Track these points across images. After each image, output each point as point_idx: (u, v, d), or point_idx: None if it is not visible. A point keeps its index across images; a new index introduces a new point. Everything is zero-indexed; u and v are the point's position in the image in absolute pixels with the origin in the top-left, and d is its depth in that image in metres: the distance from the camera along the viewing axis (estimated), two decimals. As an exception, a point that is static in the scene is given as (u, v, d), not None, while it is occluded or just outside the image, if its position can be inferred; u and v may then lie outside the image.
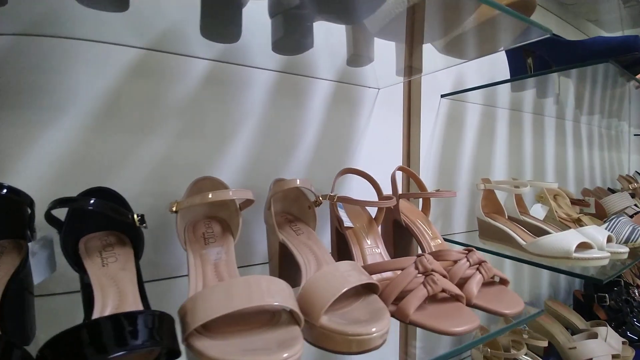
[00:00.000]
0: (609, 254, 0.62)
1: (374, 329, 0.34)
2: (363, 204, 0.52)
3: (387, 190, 0.61)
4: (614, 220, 0.80)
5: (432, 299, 0.43)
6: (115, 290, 0.36)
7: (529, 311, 0.49)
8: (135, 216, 0.39)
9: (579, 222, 0.84)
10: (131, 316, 0.29)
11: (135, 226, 0.39)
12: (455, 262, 0.49)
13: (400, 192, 0.60)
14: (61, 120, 0.48)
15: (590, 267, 0.62)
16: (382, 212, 0.58)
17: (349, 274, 0.38)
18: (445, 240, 0.82)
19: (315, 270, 0.44)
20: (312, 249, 0.48)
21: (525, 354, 0.86)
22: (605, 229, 0.78)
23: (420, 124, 0.81)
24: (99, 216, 0.41)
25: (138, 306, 0.35)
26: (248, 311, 0.34)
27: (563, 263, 0.63)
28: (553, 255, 0.64)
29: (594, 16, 1.21)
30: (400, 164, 0.80)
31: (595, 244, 0.65)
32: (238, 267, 0.42)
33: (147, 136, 0.53)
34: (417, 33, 0.51)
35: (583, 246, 0.64)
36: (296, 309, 0.33)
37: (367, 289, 0.42)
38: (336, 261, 0.45)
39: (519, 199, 0.82)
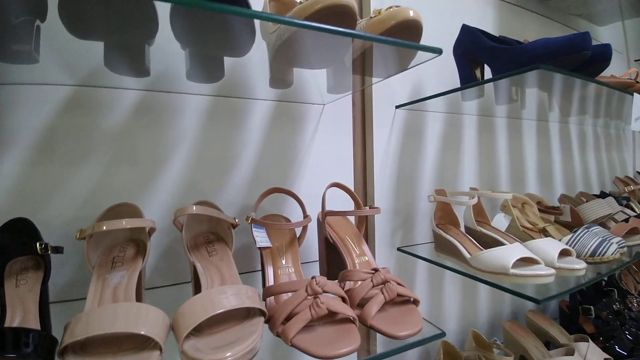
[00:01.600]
0: (553, 272, 0.59)
1: (228, 354, 0.35)
2: (276, 226, 0.53)
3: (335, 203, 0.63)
4: (582, 231, 0.76)
5: (329, 319, 0.44)
6: (21, 308, 0.41)
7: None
8: (38, 245, 0.43)
9: (544, 232, 0.80)
10: (15, 331, 0.35)
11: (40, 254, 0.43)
12: (361, 281, 0.49)
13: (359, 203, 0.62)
14: (2, 156, 0.53)
15: (530, 285, 0.60)
16: (305, 231, 0.59)
17: (225, 299, 0.40)
18: (404, 252, 0.82)
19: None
20: (221, 270, 0.50)
21: (494, 370, 0.83)
22: (569, 240, 0.74)
23: (372, 136, 0.81)
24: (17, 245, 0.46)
25: (37, 324, 0.39)
26: (116, 335, 0.37)
27: (502, 279, 0.61)
28: (492, 271, 0.62)
29: (581, 10, 1.14)
30: (352, 178, 0.80)
31: (543, 259, 0.62)
32: (168, 285, 0.46)
33: (81, 165, 0.57)
34: (303, 62, 0.53)
35: (528, 261, 0.62)
36: (161, 341, 0.36)
37: (259, 311, 0.43)
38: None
39: (478, 209, 0.79)
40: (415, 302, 0.50)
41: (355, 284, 0.50)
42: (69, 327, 0.36)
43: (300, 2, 0.42)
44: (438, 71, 0.87)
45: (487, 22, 1.01)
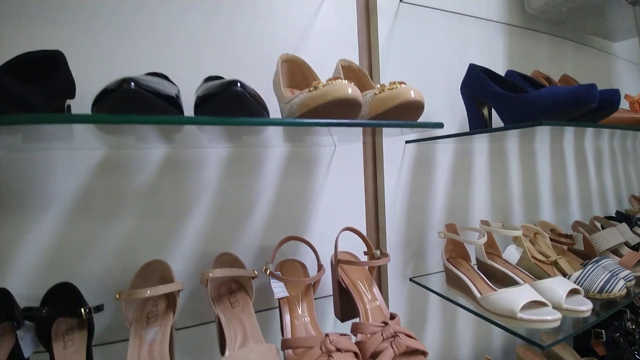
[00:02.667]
0: (559, 316, 0.61)
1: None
2: (294, 282, 0.58)
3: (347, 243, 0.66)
4: (592, 266, 0.77)
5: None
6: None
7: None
8: (83, 311, 0.49)
9: (555, 265, 0.82)
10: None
11: (84, 318, 0.48)
12: (372, 334, 0.53)
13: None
14: (43, 217, 0.59)
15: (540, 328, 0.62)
16: (319, 282, 0.63)
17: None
18: (416, 283, 0.85)
19: (239, 346, 0.51)
20: (243, 322, 0.55)
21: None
22: (579, 276, 0.76)
23: (383, 172, 0.84)
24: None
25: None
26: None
27: (510, 322, 0.63)
28: (500, 313, 0.64)
29: (596, 29, 1.12)
30: (364, 213, 0.83)
31: (551, 300, 0.64)
32: (194, 326, 0.51)
33: (114, 221, 0.63)
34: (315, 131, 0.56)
35: (537, 303, 0.64)
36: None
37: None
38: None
39: (489, 242, 0.81)
40: (424, 353, 0.53)
41: (366, 335, 0.54)
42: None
43: (312, 89, 0.45)
44: (445, 98, 0.89)
45: (497, 48, 1.02)
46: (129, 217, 0.64)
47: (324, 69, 0.65)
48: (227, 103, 0.38)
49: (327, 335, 0.49)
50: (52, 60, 0.45)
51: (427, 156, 0.90)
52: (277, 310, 0.64)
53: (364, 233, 0.76)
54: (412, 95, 0.47)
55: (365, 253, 0.72)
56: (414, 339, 0.53)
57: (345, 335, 0.52)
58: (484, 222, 0.84)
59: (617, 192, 1.26)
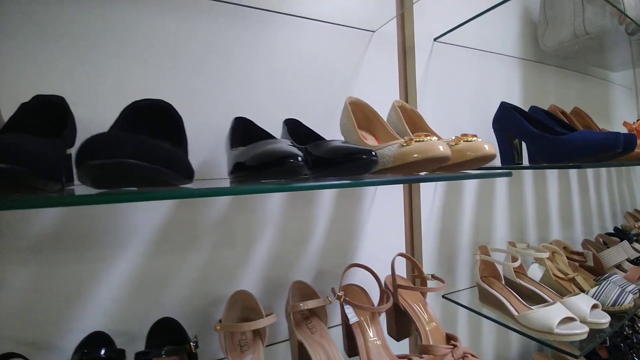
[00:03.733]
0: (587, 330, 0.70)
1: None
2: (365, 309, 0.64)
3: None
4: (605, 282, 0.87)
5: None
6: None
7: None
8: (192, 345, 0.53)
9: (573, 282, 0.91)
10: None
11: (192, 352, 0.53)
12: (443, 355, 0.60)
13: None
14: (124, 252, 0.62)
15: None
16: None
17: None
18: (450, 300, 0.93)
19: (326, 369, 0.57)
20: (324, 347, 0.61)
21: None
22: (595, 292, 0.86)
23: (420, 200, 0.91)
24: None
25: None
26: None
27: (547, 337, 0.72)
28: (539, 329, 0.73)
29: (599, 62, 1.25)
30: (404, 239, 0.91)
31: (577, 314, 0.73)
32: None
33: (190, 251, 0.67)
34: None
35: (566, 319, 0.73)
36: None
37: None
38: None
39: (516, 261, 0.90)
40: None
41: (436, 356, 0.61)
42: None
43: (405, 144, 0.51)
44: (472, 128, 0.98)
45: (513, 80, 1.11)
46: (203, 248, 0.68)
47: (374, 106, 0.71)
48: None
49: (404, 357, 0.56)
50: (59, 110, 0.47)
51: (456, 183, 0.98)
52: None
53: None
54: (487, 149, 0.54)
55: (414, 276, 0.79)
56: (477, 358, 0.61)
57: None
58: (511, 244, 0.92)
59: (612, 208, 1.39)
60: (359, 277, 0.78)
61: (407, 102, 0.93)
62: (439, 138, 0.60)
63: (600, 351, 1.12)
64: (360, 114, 0.70)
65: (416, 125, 0.75)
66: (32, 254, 0.56)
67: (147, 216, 0.64)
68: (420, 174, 0.57)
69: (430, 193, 0.94)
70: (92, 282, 0.60)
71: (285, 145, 0.41)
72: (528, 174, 1.13)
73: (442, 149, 0.50)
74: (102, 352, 0.48)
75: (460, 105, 0.99)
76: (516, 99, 1.10)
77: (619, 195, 1.44)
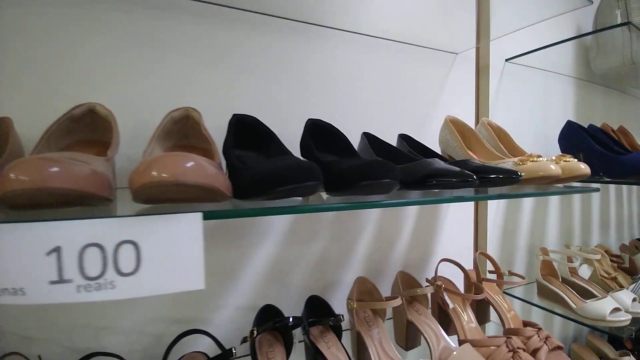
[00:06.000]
0: (630, 317, 0.83)
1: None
2: (463, 295, 0.76)
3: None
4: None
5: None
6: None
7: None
8: (341, 317, 0.65)
9: (615, 280, 1.04)
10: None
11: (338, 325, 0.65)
12: (529, 337, 0.72)
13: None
14: (263, 241, 0.74)
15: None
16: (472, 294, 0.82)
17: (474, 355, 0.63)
18: (513, 296, 1.06)
19: (439, 347, 0.69)
20: (431, 327, 0.73)
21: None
22: (634, 287, 0.99)
23: (487, 207, 1.04)
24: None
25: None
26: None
27: (601, 324, 0.85)
28: (594, 318, 0.86)
29: (633, 83, 1.36)
30: (472, 240, 1.03)
31: (623, 307, 0.87)
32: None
33: (312, 242, 0.79)
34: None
35: (615, 309, 0.86)
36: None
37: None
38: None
39: (569, 260, 1.03)
40: (560, 347, 0.73)
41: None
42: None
43: (520, 163, 0.63)
44: (536, 143, 1.10)
45: (568, 97, 1.23)
46: (322, 239, 0.80)
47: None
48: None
49: (508, 337, 0.68)
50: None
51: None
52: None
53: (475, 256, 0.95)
54: (553, 169, 0.64)
55: (490, 272, 0.91)
56: (556, 341, 0.73)
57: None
58: (567, 247, 1.05)
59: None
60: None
61: (479, 118, 1.04)
62: (537, 156, 0.72)
63: (626, 343, 1.26)
64: (457, 130, 0.82)
65: (503, 141, 0.86)
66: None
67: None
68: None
69: (495, 202, 1.06)
70: (239, 264, 0.72)
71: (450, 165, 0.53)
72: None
73: (554, 168, 0.62)
74: (290, 320, 0.60)
75: (526, 122, 1.11)
76: (570, 116, 1.22)
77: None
